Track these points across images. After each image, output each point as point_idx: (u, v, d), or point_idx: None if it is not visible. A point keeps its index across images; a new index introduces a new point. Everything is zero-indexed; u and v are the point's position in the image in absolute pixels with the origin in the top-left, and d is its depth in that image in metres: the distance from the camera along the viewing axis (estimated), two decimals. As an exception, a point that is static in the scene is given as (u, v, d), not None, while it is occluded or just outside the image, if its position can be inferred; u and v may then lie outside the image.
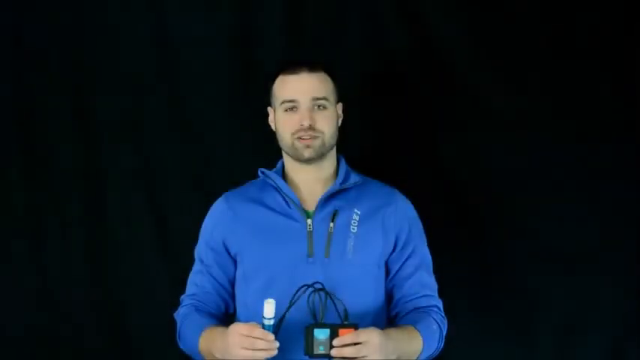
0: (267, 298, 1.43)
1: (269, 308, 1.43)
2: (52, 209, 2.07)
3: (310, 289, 1.46)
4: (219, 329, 1.52)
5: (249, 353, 1.39)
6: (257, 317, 1.47)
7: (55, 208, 2.07)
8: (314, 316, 1.46)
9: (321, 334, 1.39)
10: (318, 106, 1.59)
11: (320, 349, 1.39)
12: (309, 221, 1.58)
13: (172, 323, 1.68)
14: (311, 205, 1.61)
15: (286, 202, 1.61)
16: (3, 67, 2.07)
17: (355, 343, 1.38)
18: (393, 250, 1.62)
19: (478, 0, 2.05)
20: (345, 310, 1.44)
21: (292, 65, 1.61)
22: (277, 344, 1.40)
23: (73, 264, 2.07)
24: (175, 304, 1.71)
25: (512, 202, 2.04)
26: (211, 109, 2.09)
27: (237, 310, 1.66)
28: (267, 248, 1.57)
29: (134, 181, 2.08)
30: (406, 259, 1.63)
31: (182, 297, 1.69)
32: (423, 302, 1.61)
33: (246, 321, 1.50)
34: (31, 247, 2.07)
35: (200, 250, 1.68)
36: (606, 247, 2.01)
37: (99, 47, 2.08)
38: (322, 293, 1.46)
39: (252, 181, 1.72)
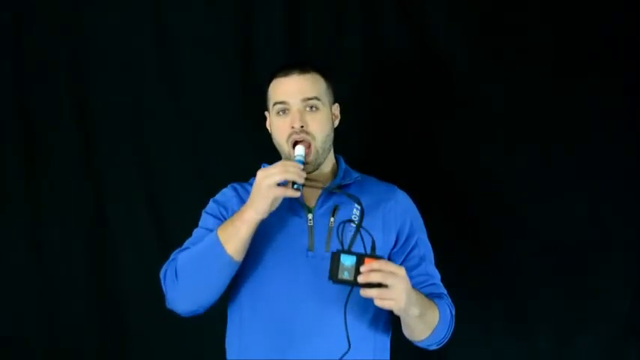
0: (265, 291, 1.41)
1: (300, 150, 1.54)
2: (52, 209, 2.08)
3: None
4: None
5: (281, 169, 1.44)
6: (258, 305, 1.50)
7: (55, 208, 2.08)
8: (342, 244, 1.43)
9: (347, 260, 1.37)
10: (310, 107, 1.58)
11: (344, 275, 1.37)
12: (309, 216, 1.58)
13: (173, 323, 1.65)
14: (312, 200, 1.62)
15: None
16: (3, 67, 2.07)
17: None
18: (395, 245, 1.62)
19: (478, 0, 2.06)
20: (373, 242, 1.42)
21: (284, 68, 1.61)
22: (305, 174, 1.46)
23: (73, 264, 2.07)
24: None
25: (512, 201, 2.05)
26: (211, 108, 2.09)
27: (237, 296, 1.60)
28: (268, 240, 1.56)
29: (134, 180, 2.08)
30: (410, 251, 1.62)
31: (173, 253, 1.61)
32: (434, 289, 1.61)
33: (250, 306, 1.54)
34: (31, 247, 2.07)
35: (205, 220, 1.63)
36: (606, 246, 2.01)
37: (99, 47, 2.08)
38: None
39: (256, 177, 1.71)
